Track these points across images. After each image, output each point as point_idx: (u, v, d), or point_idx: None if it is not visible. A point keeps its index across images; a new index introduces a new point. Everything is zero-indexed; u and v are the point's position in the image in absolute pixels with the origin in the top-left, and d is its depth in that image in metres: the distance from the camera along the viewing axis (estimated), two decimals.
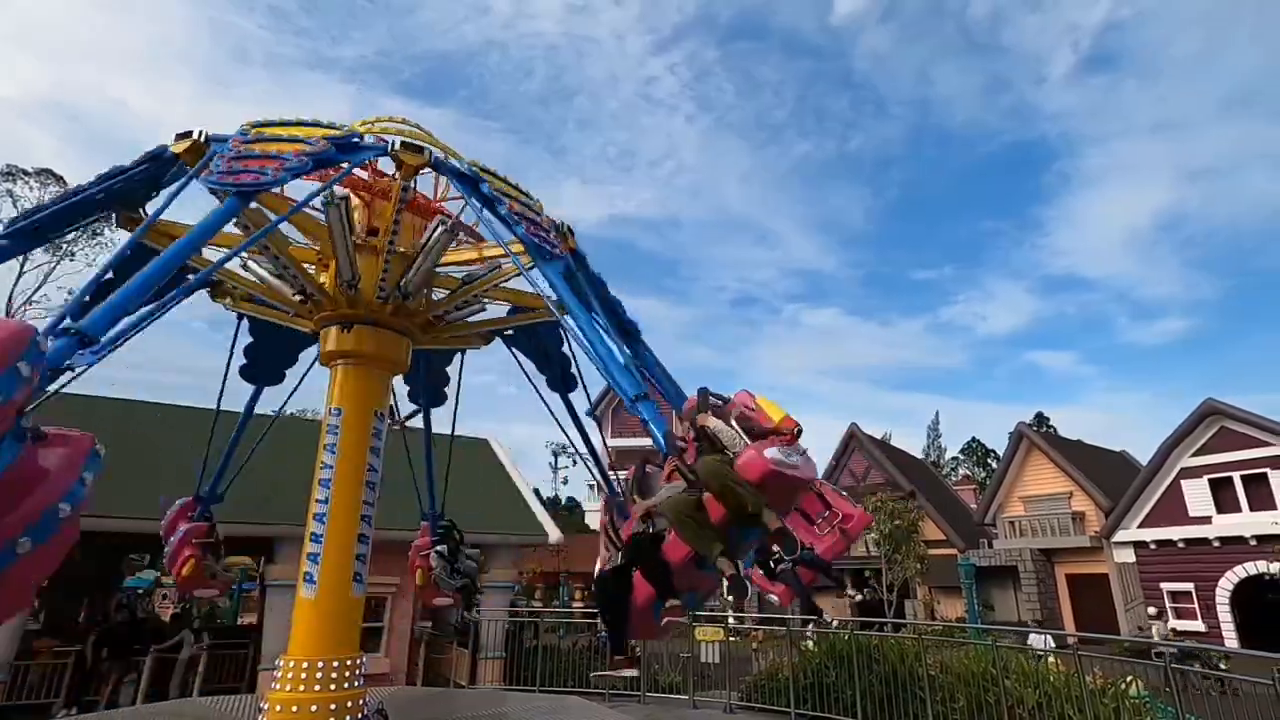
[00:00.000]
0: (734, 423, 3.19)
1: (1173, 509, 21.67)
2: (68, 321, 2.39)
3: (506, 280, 5.99)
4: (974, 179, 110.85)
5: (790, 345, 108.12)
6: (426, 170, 4.72)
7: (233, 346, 6.47)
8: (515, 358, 7.27)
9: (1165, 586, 21.34)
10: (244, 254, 5.45)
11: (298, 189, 5.07)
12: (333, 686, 4.71)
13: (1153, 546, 21.95)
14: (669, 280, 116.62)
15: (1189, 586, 20.84)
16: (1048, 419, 54.48)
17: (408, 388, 7.57)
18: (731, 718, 9.32)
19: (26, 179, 30.28)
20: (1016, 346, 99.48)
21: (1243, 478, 20.41)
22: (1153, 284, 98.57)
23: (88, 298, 4.97)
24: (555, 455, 54.85)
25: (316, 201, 4.77)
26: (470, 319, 6.54)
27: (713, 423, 3.16)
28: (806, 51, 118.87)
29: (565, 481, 56.29)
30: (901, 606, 25.58)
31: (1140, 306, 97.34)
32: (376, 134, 4.83)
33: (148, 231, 4.81)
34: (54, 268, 27.52)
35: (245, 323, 6.51)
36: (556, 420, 7.16)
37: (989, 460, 57.67)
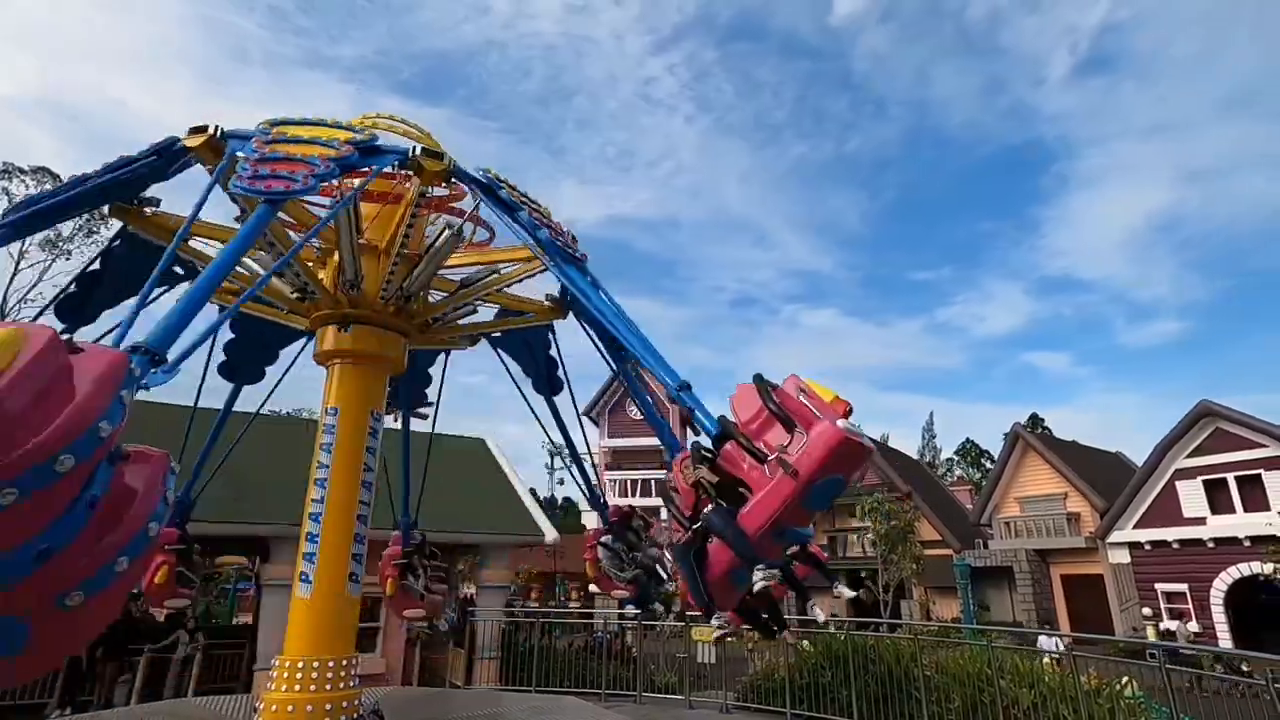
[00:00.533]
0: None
1: (1167, 510, 21.75)
2: (139, 340, 2.39)
3: (509, 285, 6.02)
4: (972, 180, 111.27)
5: (789, 346, 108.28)
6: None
7: (212, 343, 6.06)
8: (501, 359, 7.27)
9: (1160, 587, 21.42)
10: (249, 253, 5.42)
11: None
12: (328, 686, 4.70)
13: (1147, 547, 22.03)
14: (667, 281, 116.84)
15: (1183, 587, 20.92)
16: (1043, 420, 54.64)
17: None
18: (728, 718, 9.32)
19: (23, 177, 30.16)
20: (1013, 347, 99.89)
21: (1237, 479, 20.49)
22: (1149, 285, 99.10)
23: (74, 287, 4.94)
24: (552, 455, 54.79)
25: (323, 199, 4.78)
26: (462, 321, 6.54)
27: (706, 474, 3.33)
28: (805, 52, 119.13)
29: (561, 482, 56.30)
30: (897, 607, 25.64)
31: (1137, 307, 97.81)
32: (373, 131, 4.82)
33: (142, 222, 4.79)
34: (49, 265, 27.41)
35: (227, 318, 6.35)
36: (539, 421, 7.18)
37: (982, 461, 57.84)
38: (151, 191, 4.99)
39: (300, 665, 4.70)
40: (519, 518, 14.50)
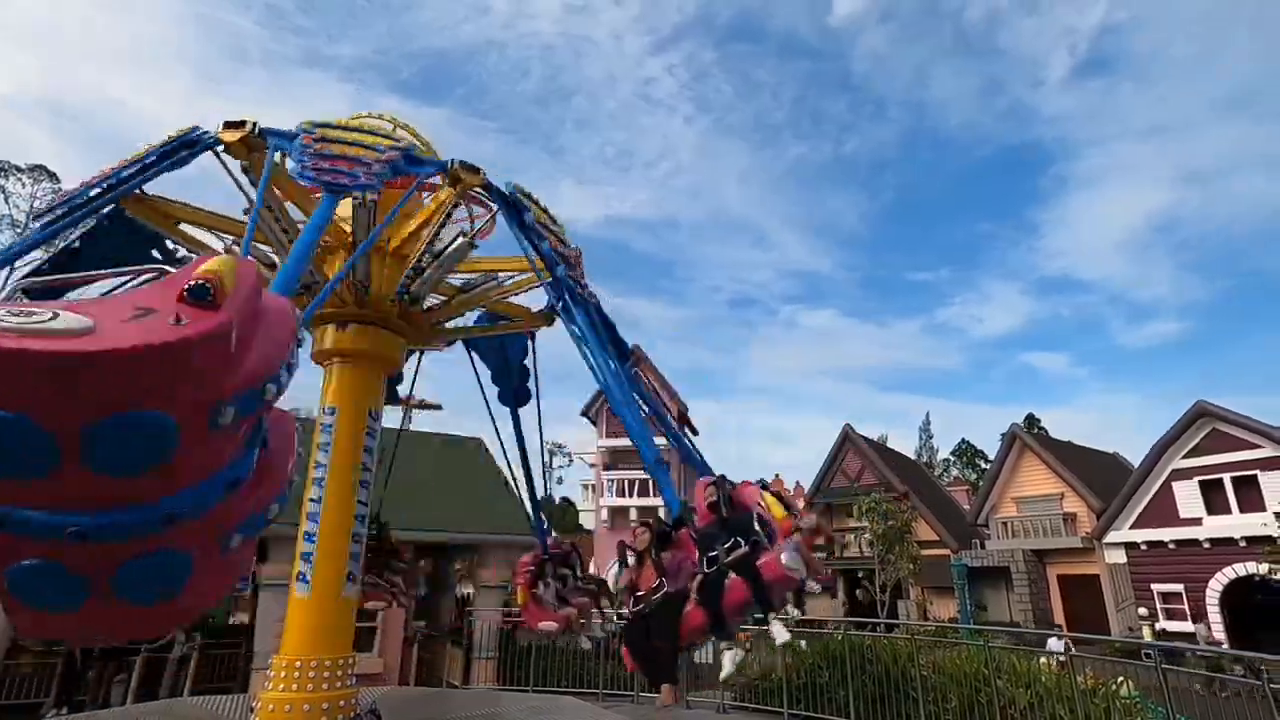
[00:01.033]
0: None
1: (1164, 510, 21.82)
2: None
3: (511, 295, 6.03)
4: (970, 181, 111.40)
5: (787, 346, 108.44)
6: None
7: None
8: (473, 363, 7.19)
9: (1156, 587, 21.49)
10: (230, 237, 5.36)
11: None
12: (325, 686, 4.69)
13: (1144, 547, 22.10)
14: (665, 281, 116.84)
15: (1179, 587, 20.99)
16: (1039, 420, 54.74)
17: (497, 389, 7.26)
18: (725, 718, 9.33)
19: (19, 175, 30.12)
20: (1011, 348, 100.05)
21: (1233, 479, 20.57)
22: (1147, 286, 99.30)
23: (46, 266, 4.87)
24: (550, 455, 54.77)
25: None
26: (451, 323, 6.53)
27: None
28: (804, 53, 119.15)
29: (560, 481, 56.31)
30: (894, 607, 25.69)
31: (1135, 308, 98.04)
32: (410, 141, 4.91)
33: (140, 207, 4.74)
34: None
35: None
36: (498, 433, 7.03)
37: (977, 461, 57.98)
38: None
39: (297, 665, 4.69)
40: (517, 518, 14.49)
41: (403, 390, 7.55)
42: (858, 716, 8.44)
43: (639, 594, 3.73)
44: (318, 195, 5.02)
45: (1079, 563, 24.50)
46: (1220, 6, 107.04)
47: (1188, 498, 21.40)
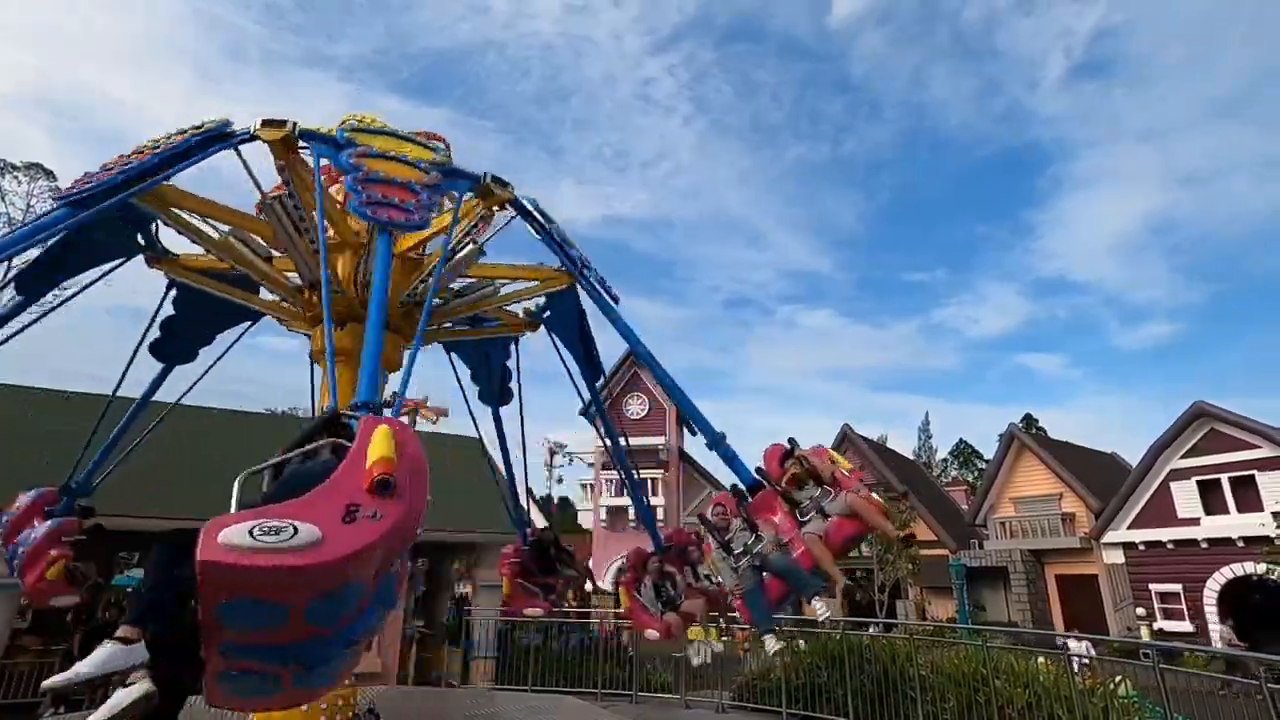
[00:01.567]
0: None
1: (1162, 510, 21.85)
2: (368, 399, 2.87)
3: (511, 303, 6.06)
4: (967, 182, 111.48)
5: (786, 346, 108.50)
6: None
7: (152, 319, 5.79)
8: (452, 363, 7.16)
9: (1154, 587, 21.52)
10: (229, 226, 5.29)
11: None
12: None
13: (1142, 548, 22.12)
14: (664, 281, 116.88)
15: (1177, 587, 21.02)
16: (1036, 421, 54.80)
17: (477, 389, 7.25)
18: (723, 717, 9.33)
19: (15, 173, 30.05)
20: (1008, 349, 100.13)
21: (1231, 479, 20.60)
22: (1142, 287, 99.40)
23: (43, 257, 4.80)
24: (550, 454, 54.77)
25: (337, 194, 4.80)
26: (444, 325, 6.52)
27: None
28: (803, 54, 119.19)
29: (559, 480, 56.22)
30: (893, 607, 25.70)
31: (1130, 310, 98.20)
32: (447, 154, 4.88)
33: (147, 195, 4.66)
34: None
35: (171, 294, 5.76)
36: (478, 430, 7.04)
37: (974, 461, 58.04)
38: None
39: None
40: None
41: (393, 390, 7.52)
42: (856, 716, 8.44)
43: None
44: (338, 193, 5.01)
45: (1077, 563, 24.53)
46: (1216, 10, 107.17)
47: (1186, 498, 21.43)
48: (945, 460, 60.27)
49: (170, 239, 5.47)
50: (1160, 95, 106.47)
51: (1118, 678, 8.12)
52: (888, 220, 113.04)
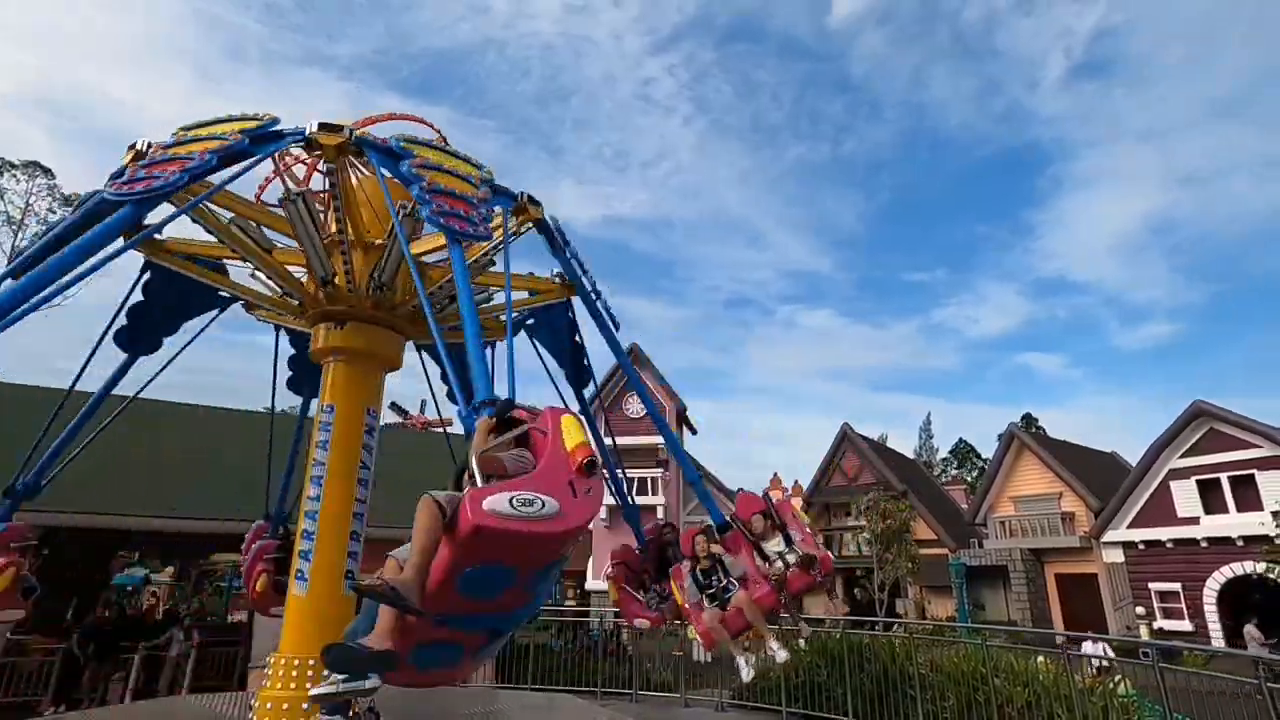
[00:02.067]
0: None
1: (1162, 510, 21.86)
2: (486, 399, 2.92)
3: (483, 269, 5.91)
4: (968, 183, 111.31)
5: (785, 346, 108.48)
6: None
7: (275, 358, 6.56)
8: (537, 351, 6.89)
9: (1154, 586, 21.53)
10: (240, 222, 5.39)
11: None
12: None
13: (1141, 547, 22.14)
14: (664, 281, 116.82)
15: (1176, 586, 21.03)
16: (1036, 420, 54.80)
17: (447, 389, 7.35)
18: (723, 716, 9.33)
19: (14, 171, 30.02)
20: (1008, 349, 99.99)
21: (1230, 479, 20.60)
22: (1142, 288, 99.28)
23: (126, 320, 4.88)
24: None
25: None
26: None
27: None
28: (803, 54, 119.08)
29: None
30: (893, 606, 25.72)
31: (1130, 310, 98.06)
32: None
33: (159, 254, 4.80)
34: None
35: (144, 279, 5.67)
36: (590, 418, 6.99)
37: (972, 459, 58.06)
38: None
39: (296, 663, 4.69)
40: None
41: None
42: (856, 714, 8.45)
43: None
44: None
45: (1077, 562, 24.54)
46: (1216, 10, 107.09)
47: (1185, 497, 21.44)
48: (945, 460, 60.29)
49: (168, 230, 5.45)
50: (1160, 95, 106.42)
51: (1117, 677, 8.13)
52: (888, 220, 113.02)
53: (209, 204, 4.89)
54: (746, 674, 4.97)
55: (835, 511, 31.26)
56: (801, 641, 9.98)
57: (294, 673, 4.66)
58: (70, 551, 10.79)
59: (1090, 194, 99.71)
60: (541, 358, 7.05)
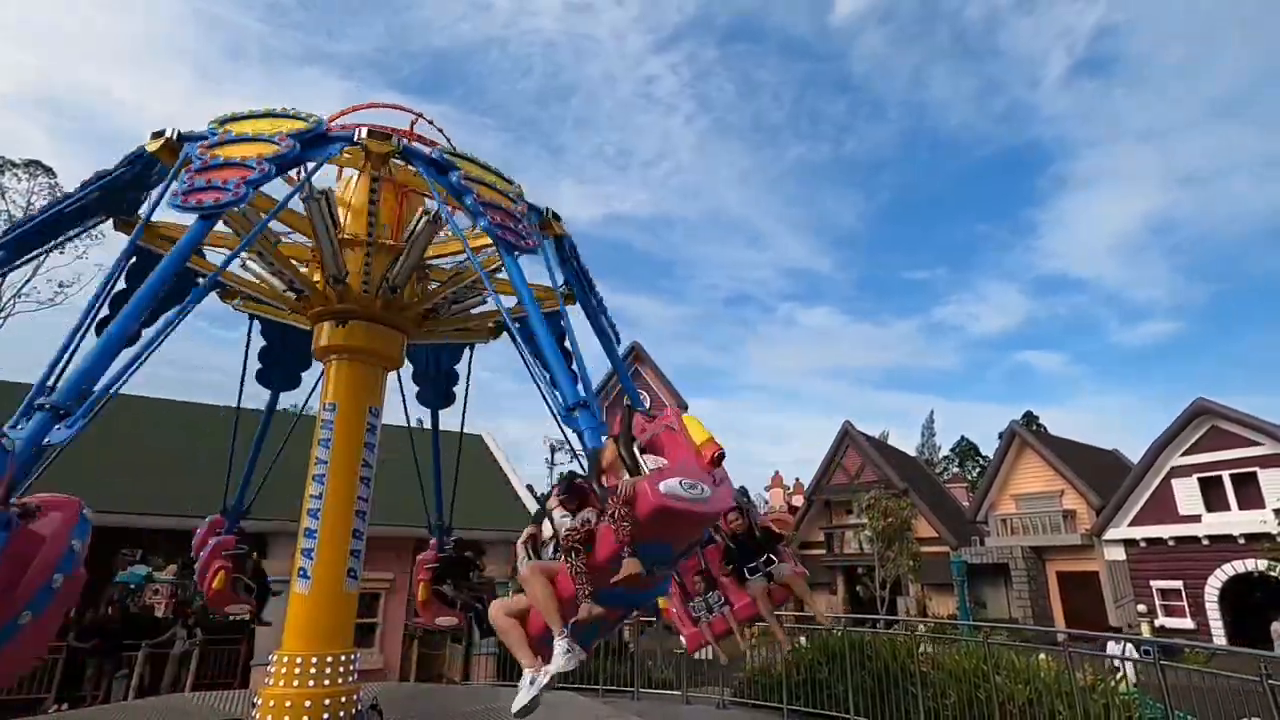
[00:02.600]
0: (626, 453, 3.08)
1: (1163, 507, 21.85)
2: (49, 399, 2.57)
3: (497, 271, 5.93)
4: (968, 182, 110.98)
5: (786, 345, 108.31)
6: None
7: (246, 347, 6.41)
8: (521, 353, 7.10)
9: (1155, 584, 21.53)
10: (242, 255, 5.39)
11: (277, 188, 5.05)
12: (326, 682, 4.70)
13: (1143, 545, 22.13)
14: (665, 280, 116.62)
15: (1178, 584, 21.03)
16: (1037, 418, 54.74)
17: (417, 389, 7.42)
18: (725, 714, 9.35)
19: (15, 170, 30.04)
20: (1008, 347, 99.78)
21: (1232, 477, 20.59)
22: (1142, 286, 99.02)
23: (106, 310, 4.86)
24: (552, 450, 54.78)
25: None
26: (474, 311, 6.51)
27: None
28: (804, 54, 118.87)
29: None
30: (894, 604, 25.72)
31: (1130, 309, 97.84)
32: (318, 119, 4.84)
33: (153, 239, 4.78)
34: (43, 260, 27.28)
35: (257, 325, 6.49)
36: (411, 437, 7.18)
37: (974, 457, 58.03)
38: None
39: (299, 661, 4.70)
40: (517, 513, 14.51)
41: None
42: (857, 712, 8.46)
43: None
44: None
45: (1078, 560, 24.54)
46: (1216, 10, 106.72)
47: (1187, 495, 21.43)
48: (946, 458, 60.27)
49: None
50: (1160, 95, 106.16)
51: (1118, 674, 8.14)
52: (888, 219, 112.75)
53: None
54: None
55: (837, 509, 31.26)
56: (803, 639, 9.99)
57: (296, 670, 4.68)
58: None
59: (1090, 194, 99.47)
60: (525, 360, 7.09)
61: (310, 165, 4.52)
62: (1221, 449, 20.90)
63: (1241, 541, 19.86)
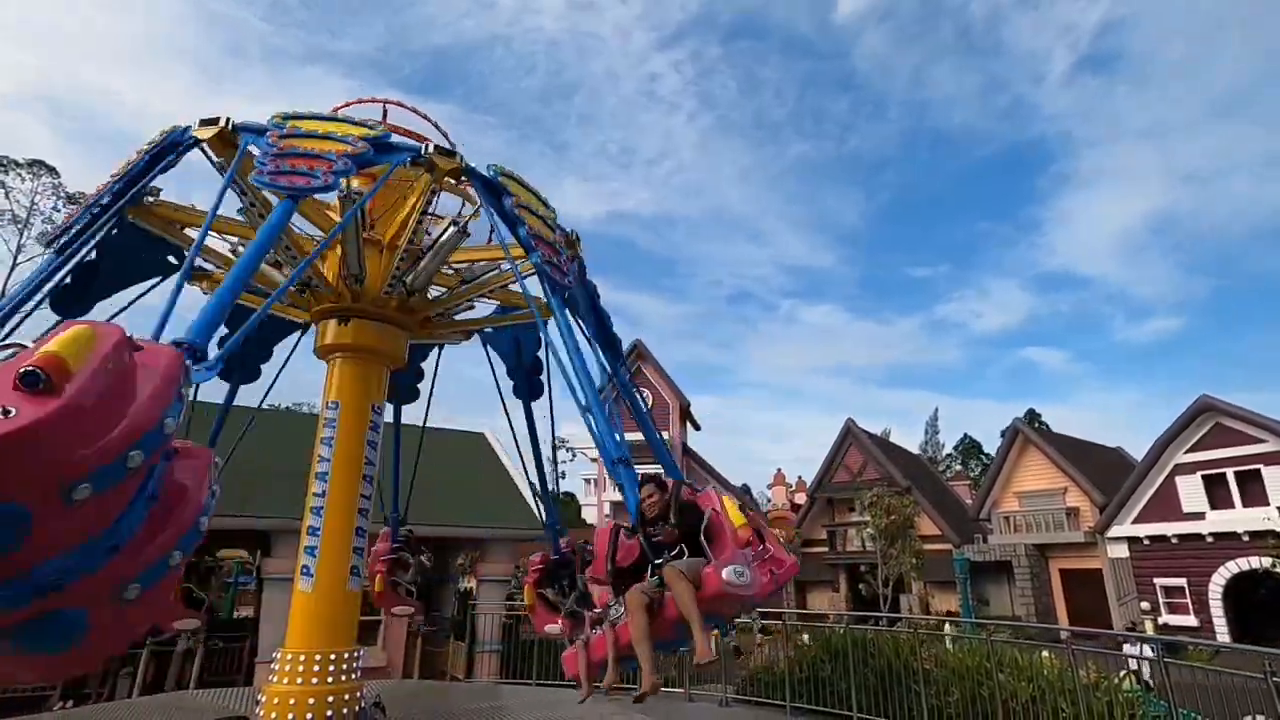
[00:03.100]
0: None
1: (1167, 505, 21.79)
2: (181, 336, 2.41)
3: (512, 283, 5.99)
4: (971, 179, 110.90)
5: (787, 343, 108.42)
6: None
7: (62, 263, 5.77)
8: (488, 356, 7.18)
9: (1159, 582, 21.48)
10: (235, 241, 5.37)
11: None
12: (330, 679, 4.71)
13: (1146, 542, 22.08)
14: (667, 277, 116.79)
15: (1182, 582, 20.98)
16: (1039, 416, 54.64)
17: (512, 383, 7.32)
18: (727, 711, 9.35)
19: (19, 170, 30.10)
20: (1011, 344, 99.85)
21: (1236, 474, 20.52)
22: (1144, 284, 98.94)
23: (68, 280, 4.79)
24: (554, 449, 54.77)
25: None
26: (458, 316, 6.52)
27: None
28: (806, 51, 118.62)
29: (563, 475, 56.35)
30: (896, 601, 25.70)
31: (1133, 306, 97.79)
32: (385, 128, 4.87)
33: (143, 213, 4.74)
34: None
35: (102, 236, 5.75)
36: (512, 427, 7.05)
37: (977, 455, 57.94)
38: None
39: (302, 658, 4.71)
40: (519, 511, 14.52)
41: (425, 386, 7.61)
42: (860, 709, 8.45)
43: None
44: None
45: (1082, 557, 24.48)
46: (1218, 7, 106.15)
47: (1191, 492, 21.37)
48: (949, 455, 60.18)
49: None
50: (1162, 94, 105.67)
51: (1122, 672, 8.12)
52: (891, 217, 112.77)
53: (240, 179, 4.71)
54: None
55: (839, 507, 31.24)
56: (805, 637, 9.99)
57: (300, 667, 4.68)
58: None
59: (1092, 192, 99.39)
60: (492, 364, 7.11)
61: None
62: (1226, 446, 20.83)
63: (1245, 539, 19.80)
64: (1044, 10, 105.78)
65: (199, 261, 5.47)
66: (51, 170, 30.75)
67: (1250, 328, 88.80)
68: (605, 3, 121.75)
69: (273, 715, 4.55)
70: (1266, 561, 18.74)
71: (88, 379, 1.74)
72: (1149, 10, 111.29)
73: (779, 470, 36.34)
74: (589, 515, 39.91)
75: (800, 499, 34.03)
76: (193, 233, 5.22)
